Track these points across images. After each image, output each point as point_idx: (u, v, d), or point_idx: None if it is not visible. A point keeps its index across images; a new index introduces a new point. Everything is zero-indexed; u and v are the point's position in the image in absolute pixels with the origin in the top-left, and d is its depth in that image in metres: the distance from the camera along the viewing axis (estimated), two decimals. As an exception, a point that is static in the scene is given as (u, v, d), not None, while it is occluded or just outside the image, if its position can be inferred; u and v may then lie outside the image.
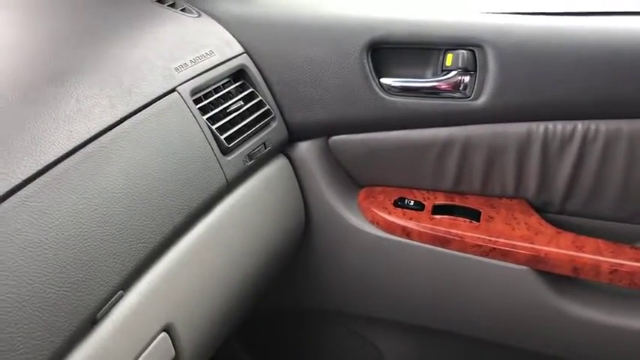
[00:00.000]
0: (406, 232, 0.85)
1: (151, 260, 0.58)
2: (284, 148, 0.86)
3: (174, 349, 0.60)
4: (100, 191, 0.52)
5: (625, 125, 0.77)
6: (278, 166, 0.84)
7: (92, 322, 0.50)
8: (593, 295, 0.81)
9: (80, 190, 0.51)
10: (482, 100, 0.79)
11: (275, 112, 0.82)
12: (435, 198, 0.87)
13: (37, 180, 0.47)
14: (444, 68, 0.81)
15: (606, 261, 0.77)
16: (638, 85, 0.74)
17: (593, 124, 0.78)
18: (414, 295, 0.89)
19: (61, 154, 0.50)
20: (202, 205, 0.66)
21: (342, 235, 0.89)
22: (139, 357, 0.55)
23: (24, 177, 0.47)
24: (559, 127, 0.79)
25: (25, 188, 0.46)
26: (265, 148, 0.79)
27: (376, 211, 0.86)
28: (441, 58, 0.81)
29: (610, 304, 0.80)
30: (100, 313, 0.50)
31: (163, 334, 0.58)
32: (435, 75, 0.82)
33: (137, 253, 0.55)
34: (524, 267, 0.80)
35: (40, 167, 0.48)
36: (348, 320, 1.01)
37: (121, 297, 0.53)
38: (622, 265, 0.77)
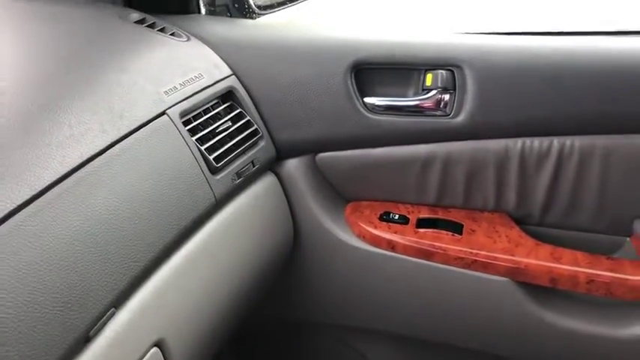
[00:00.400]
0: (391, 246, 0.87)
1: (143, 278, 0.60)
2: (272, 165, 0.89)
3: None
4: (92, 214, 0.55)
5: (598, 141, 0.80)
6: (266, 183, 0.86)
7: (85, 339, 0.53)
8: (571, 305, 0.84)
9: (73, 214, 0.53)
10: (461, 118, 0.82)
11: (263, 131, 0.85)
12: (419, 212, 0.90)
13: (31, 205, 0.50)
14: (424, 87, 0.84)
15: (583, 272, 0.80)
16: (609, 103, 0.78)
17: (568, 140, 0.81)
18: (400, 307, 0.92)
19: (54, 179, 0.53)
20: (192, 223, 0.68)
21: (330, 249, 0.92)
22: None
23: (19, 202, 0.49)
24: (536, 143, 0.82)
25: (20, 213, 0.49)
26: (254, 167, 0.81)
27: (362, 225, 0.89)
28: (421, 77, 0.84)
29: (588, 313, 0.83)
30: (92, 331, 0.53)
31: (155, 349, 0.60)
32: (416, 94, 0.85)
33: (129, 271, 0.57)
34: (504, 278, 0.83)
35: (34, 192, 0.50)
36: (339, 332, 1.04)
37: (113, 314, 0.56)
38: (598, 275, 0.80)
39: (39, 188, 0.51)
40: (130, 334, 0.57)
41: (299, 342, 1.09)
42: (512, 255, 0.83)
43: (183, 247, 0.68)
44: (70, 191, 0.54)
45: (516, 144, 0.82)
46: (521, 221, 0.88)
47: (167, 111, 0.70)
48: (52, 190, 0.52)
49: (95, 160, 0.58)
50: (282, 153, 0.89)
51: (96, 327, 0.53)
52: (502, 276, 0.83)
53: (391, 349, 1.02)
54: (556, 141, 0.81)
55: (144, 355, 0.59)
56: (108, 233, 0.56)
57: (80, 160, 0.56)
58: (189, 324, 0.67)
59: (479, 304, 0.86)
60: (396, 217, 0.90)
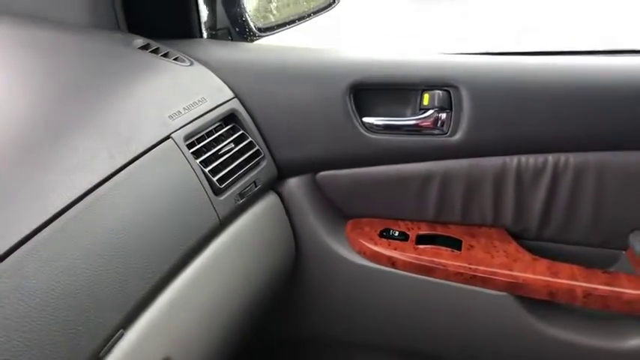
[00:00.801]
0: (392, 262, 0.89)
1: (150, 298, 0.62)
2: (274, 185, 0.91)
3: None
4: (99, 238, 0.57)
5: (591, 157, 0.82)
6: (268, 202, 0.88)
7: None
8: (569, 319, 0.85)
9: (81, 239, 0.55)
10: (458, 136, 0.84)
11: (264, 151, 0.87)
12: (419, 228, 0.92)
13: (41, 232, 0.52)
14: (421, 107, 0.86)
15: (580, 285, 0.82)
16: (601, 120, 0.80)
17: (562, 157, 0.83)
18: (401, 322, 0.93)
19: (64, 205, 0.55)
20: (197, 244, 0.70)
21: (331, 266, 0.93)
22: None
23: (29, 230, 0.51)
24: (531, 160, 0.84)
25: (31, 240, 0.50)
26: (256, 187, 0.83)
27: (363, 241, 0.91)
28: (418, 97, 0.87)
29: (586, 326, 0.84)
30: (102, 352, 0.54)
31: None
32: (413, 113, 0.87)
33: (137, 292, 0.59)
34: (503, 293, 0.85)
35: (44, 220, 0.52)
36: (342, 349, 1.05)
37: (121, 335, 0.57)
38: (595, 289, 0.81)
39: (50, 214, 0.53)
40: (138, 354, 0.59)
41: (302, 359, 1.11)
42: (511, 270, 0.84)
43: (188, 267, 0.70)
44: (79, 217, 0.56)
45: (512, 161, 0.84)
46: (518, 236, 0.90)
47: (172, 135, 0.72)
48: (63, 215, 0.54)
49: (103, 186, 0.60)
50: (284, 172, 0.91)
51: (105, 348, 0.55)
52: (501, 290, 0.85)
53: None
54: (551, 158, 0.83)
55: None
56: (115, 257, 0.58)
57: (90, 186, 0.58)
58: (195, 342, 0.69)
59: (478, 318, 0.87)
60: (396, 233, 0.91)
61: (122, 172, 0.63)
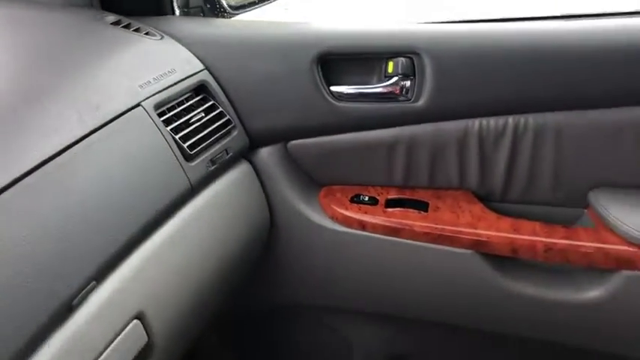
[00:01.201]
0: (362, 225, 0.92)
1: (122, 255, 0.65)
2: (246, 154, 0.94)
3: (147, 335, 0.67)
4: (71, 197, 0.60)
5: (550, 118, 0.86)
6: (241, 170, 0.91)
7: (69, 308, 0.57)
8: (532, 274, 0.89)
9: (55, 195, 0.58)
10: (422, 102, 0.87)
11: (235, 121, 0.90)
12: (388, 193, 0.95)
13: (15, 186, 0.55)
14: (386, 75, 0.89)
15: (541, 241, 0.85)
16: (559, 81, 0.83)
17: (522, 118, 0.87)
18: (371, 284, 0.97)
19: (36, 164, 0.57)
20: (168, 206, 0.73)
21: (305, 232, 0.96)
22: (113, 341, 0.61)
23: (3, 184, 0.54)
24: (492, 122, 0.87)
25: (5, 193, 0.54)
26: (227, 154, 0.86)
27: (335, 207, 0.94)
28: (383, 65, 0.90)
29: (547, 280, 0.88)
30: (75, 300, 0.57)
31: (136, 321, 0.65)
32: (379, 81, 0.90)
33: (107, 248, 0.62)
34: (469, 251, 0.88)
35: (17, 175, 0.55)
36: (318, 313, 1.08)
37: (94, 287, 0.60)
38: (555, 243, 0.85)
39: (21, 172, 0.56)
40: (112, 306, 0.62)
41: (281, 325, 1.14)
42: (475, 228, 0.88)
43: (161, 228, 0.72)
44: (51, 175, 0.58)
45: (474, 124, 0.88)
46: (484, 198, 0.94)
47: (142, 103, 0.75)
48: (34, 173, 0.57)
49: (74, 147, 0.62)
50: (256, 142, 0.94)
51: (78, 297, 0.58)
52: (466, 249, 0.88)
53: (368, 327, 1.06)
54: (511, 119, 0.87)
55: (125, 327, 0.63)
56: (87, 213, 0.61)
57: (60, 147, 0.61)
58: (168, 300, 0.72)
59: (445, 276, 0.91)
60: (366, 198, 0.95)
61: (93, 135, 0.65)
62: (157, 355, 0.68)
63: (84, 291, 0.58)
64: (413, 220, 0.90)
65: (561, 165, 0.88)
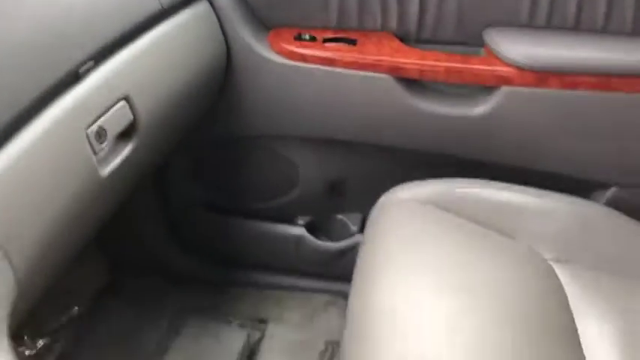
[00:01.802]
0: (303, 58, 1.13)
1: (100, 57, 0.82)
2: None
3: (133, 114, 0.87)
4: (40, 9, 0.74)
5: None
6: (200, 9, 1.08)
7: (76, 76, 0.77)
8: (434, 93, 1.13)
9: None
10: None
11: None
12: (325, 33, 1.16)
13: None
14: None
15: (443, 65, 1.09)
16: None
17: None
18: (314, 112, 1.19)
19: None
20: (137, 26, 0.90)
21: (257, 67, 1.17)
22: (108, 111, 0.81)
23: None
24: None
25: None
26: None
27: (282, 44, 1.14)
28: None
29: (446, 99, 1.13)
30: (82, 69, 0.77)
31: (123, 101, 0.85)
32: None
33: (77, 56, 0.78)
34: (386, 75, 1.11)
35: None
36: (271, 142, 1.31)
37: (92, 66, 0.80)
38: (454, 67, 1.08)
39: None
40: (105, 85, 0.81)
41: (239, 155, 1.36)
42: (392, 57, 1.10)
43: (129, 45, 0.88)
44: None
45: None
46: (403, 39, 1.15)
47: None
48: None
49: None
50: None
51: (84, 67, 0.77)
52: (385, 73, 1.11)
53: (310, 154, 1.30)
54: None
55: (114, 104, 0.82)
56: (58, 19, 0.76)
57: None
58: (151, 89, 0.91)
59: (369, 99, 1.14)
60: (307, 37, 1.15)
61: None
62: (141, 131, 0.89)
63: (87, 64, 0.78)
64: (344, 52, 1.12)
65: (462, 6, 1.09)
